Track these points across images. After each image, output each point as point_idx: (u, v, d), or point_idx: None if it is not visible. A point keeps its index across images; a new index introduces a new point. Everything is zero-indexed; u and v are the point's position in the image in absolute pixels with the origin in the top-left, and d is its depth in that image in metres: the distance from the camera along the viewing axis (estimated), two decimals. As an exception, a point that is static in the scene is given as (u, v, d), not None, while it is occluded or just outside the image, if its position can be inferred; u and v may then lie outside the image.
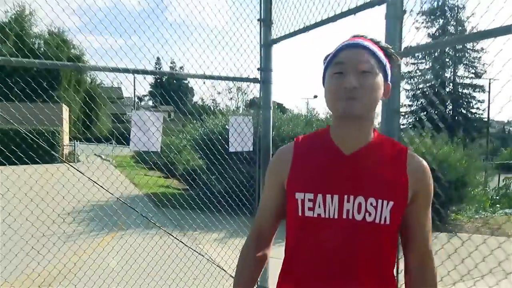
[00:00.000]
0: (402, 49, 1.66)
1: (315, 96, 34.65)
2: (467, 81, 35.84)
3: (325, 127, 1.13)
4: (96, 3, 2.50)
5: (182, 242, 2.98)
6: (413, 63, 34.89)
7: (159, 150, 2.33)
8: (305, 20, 2.42)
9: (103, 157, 17.16)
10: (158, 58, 48.81)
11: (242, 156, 3.24)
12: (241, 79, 2.80)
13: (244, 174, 3.94)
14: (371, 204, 1.00)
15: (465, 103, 36.06)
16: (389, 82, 1.08)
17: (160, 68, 52.79)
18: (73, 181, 3.07)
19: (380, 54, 1.04)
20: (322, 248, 1.03)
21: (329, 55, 1.09)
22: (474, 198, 7.89)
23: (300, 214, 1.05)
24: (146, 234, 5.04)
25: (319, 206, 1.03)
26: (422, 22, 36.10)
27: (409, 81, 35.28)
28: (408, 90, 35.18)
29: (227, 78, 2.80)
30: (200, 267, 3.60)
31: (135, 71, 2.44)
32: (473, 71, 35.67)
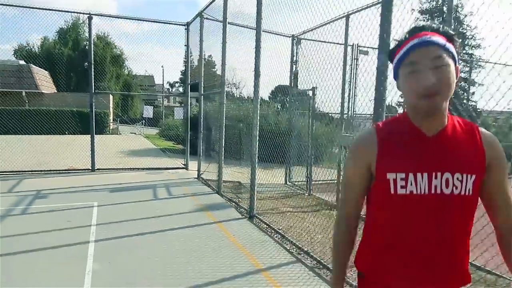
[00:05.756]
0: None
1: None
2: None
3: (402, 113, 1.21)
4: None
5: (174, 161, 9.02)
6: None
7: (151, 117, 8.30)
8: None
9: (136, 133, 23.71)
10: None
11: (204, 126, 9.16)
12: (182, 95, 8.81)
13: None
14: (457, 178, 1.10)
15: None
16: (457, 65, 1.12)
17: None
18: (120, 141, 9.30)
19: (447, 44, 1.08)
20: (415, 224, 1.11)
21: (393, 51, 1.17)
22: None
23: (392, 192, 1.12)
24: (154, 158, 11.24)
25: (411, 184, 1.10)
26: (422, 20, 38.89)
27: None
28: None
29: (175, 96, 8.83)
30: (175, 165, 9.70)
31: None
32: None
